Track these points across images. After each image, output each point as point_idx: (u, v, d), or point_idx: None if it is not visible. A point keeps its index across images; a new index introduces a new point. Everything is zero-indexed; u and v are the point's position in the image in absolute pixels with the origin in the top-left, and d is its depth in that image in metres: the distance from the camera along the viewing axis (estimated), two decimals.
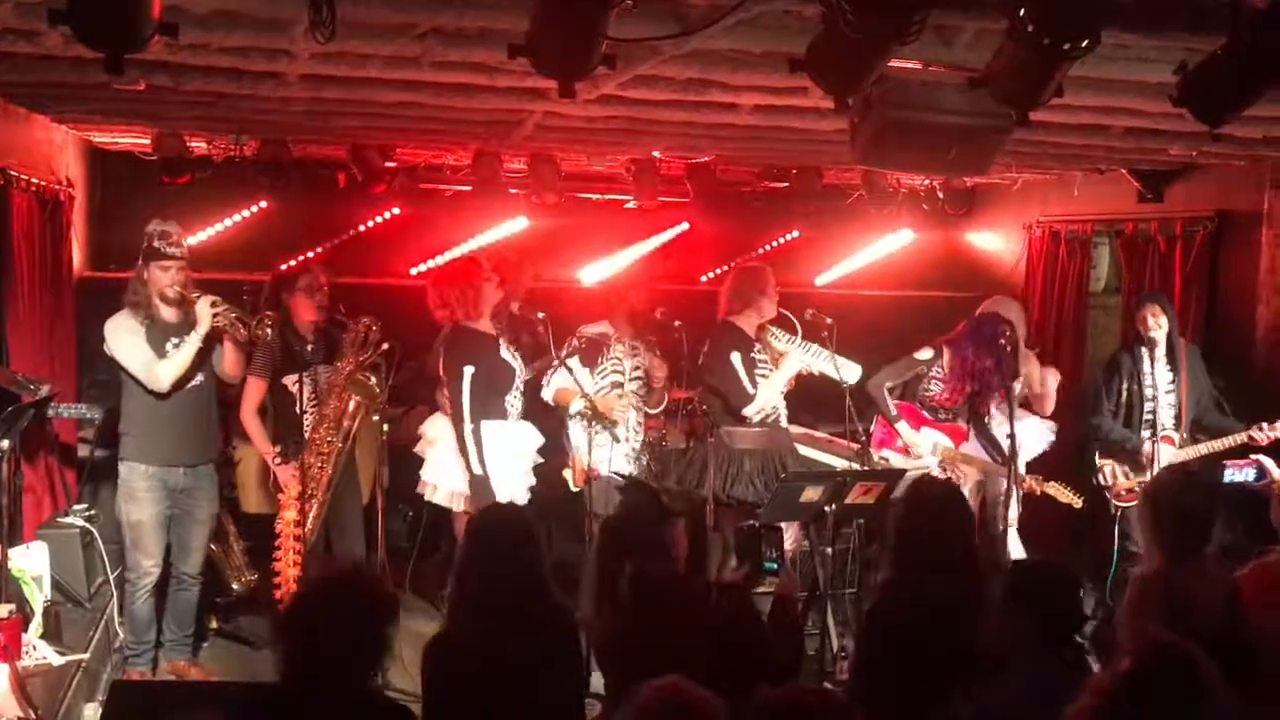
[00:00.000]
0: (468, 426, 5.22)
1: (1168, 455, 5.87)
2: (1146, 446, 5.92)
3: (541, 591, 3.35)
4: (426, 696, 3.31)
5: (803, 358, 5.57)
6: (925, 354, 5.99)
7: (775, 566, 3.74)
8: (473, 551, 3.43)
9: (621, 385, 5.55)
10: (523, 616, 3.23)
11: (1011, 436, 5.59)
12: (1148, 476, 5.87)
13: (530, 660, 3.16)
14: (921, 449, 5.88)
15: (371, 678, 2.82)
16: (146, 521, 5.09)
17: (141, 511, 5.08)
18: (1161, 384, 5.94)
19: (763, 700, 2.33)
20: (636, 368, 5.65)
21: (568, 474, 5.55)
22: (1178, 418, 5.91)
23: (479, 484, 5.23)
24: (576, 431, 5.50)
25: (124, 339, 5.03)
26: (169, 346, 5.06)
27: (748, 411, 5.48)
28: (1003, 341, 5.74)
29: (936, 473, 5.85)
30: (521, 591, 3.28)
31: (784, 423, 5.74)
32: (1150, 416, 5.98)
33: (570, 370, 5.37)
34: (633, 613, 3.30)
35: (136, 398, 5.09)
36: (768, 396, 5.54)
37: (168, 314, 5.10)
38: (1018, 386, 5.89)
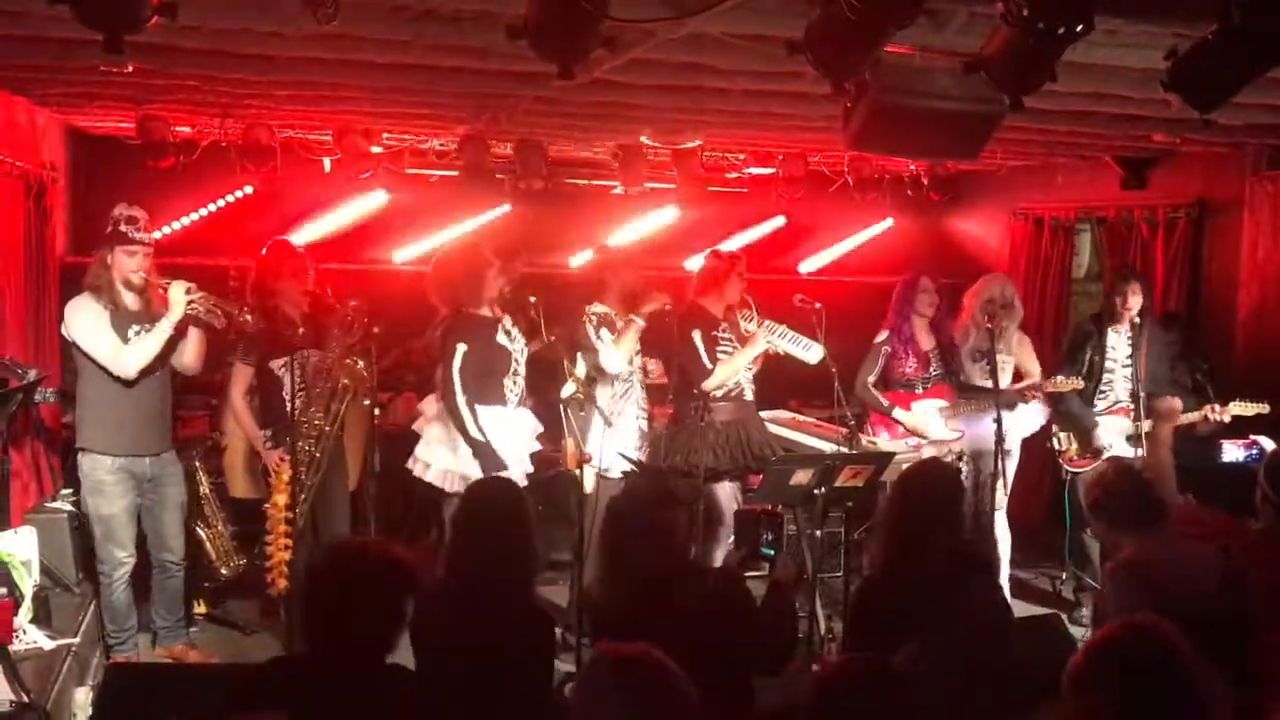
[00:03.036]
0: (460, 398, 5.17)
1: (1122, 426, 5.99)
2: (1101, 427, 6.04)
3: (525, 572, 3.41)
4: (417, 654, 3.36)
5: (768, 338, 5.69)
6: (881, 336, 6.18)
7: (773, 551, 3.76)
8: (462, 521, 3.51)
9: (632, 361, 5.65)
10: (500, 593, 3.27)
11: (994, 377, 5.79)
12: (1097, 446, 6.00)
13: (499, 637, 3.21)
14: (926, 424, 5.98)
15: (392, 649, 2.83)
16: (118, 514, 5.01)
17: (111, 505, 4.99)
18: (1120, 357, 6.05)
19: (825, 673, 2.36)
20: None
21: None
22: (1134, 392, 5.99)
23: (482, 450, 5.14)
24: (570, 415, 5.51)
25: (88, 323, 4.89)
26: (130, 334, 4.94)
27: (706, 386, 5.60)
28: (903, 292, 6.10)
29: (945, 435, 5.99)
30: (505, 566, 3.33)
31: (748, 398, 5.85)
32: (1105, 388, 6.10)
33: (598, 351, 5.46)
34: (635, 596, 3.33)
35: (98, 384, 4.95)
36: (727, 374, 5.66)
37: (130, 301, 4.97)
38: (1002, 359, 6.01)
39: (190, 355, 5.12)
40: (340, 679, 2.67)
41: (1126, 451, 5.95)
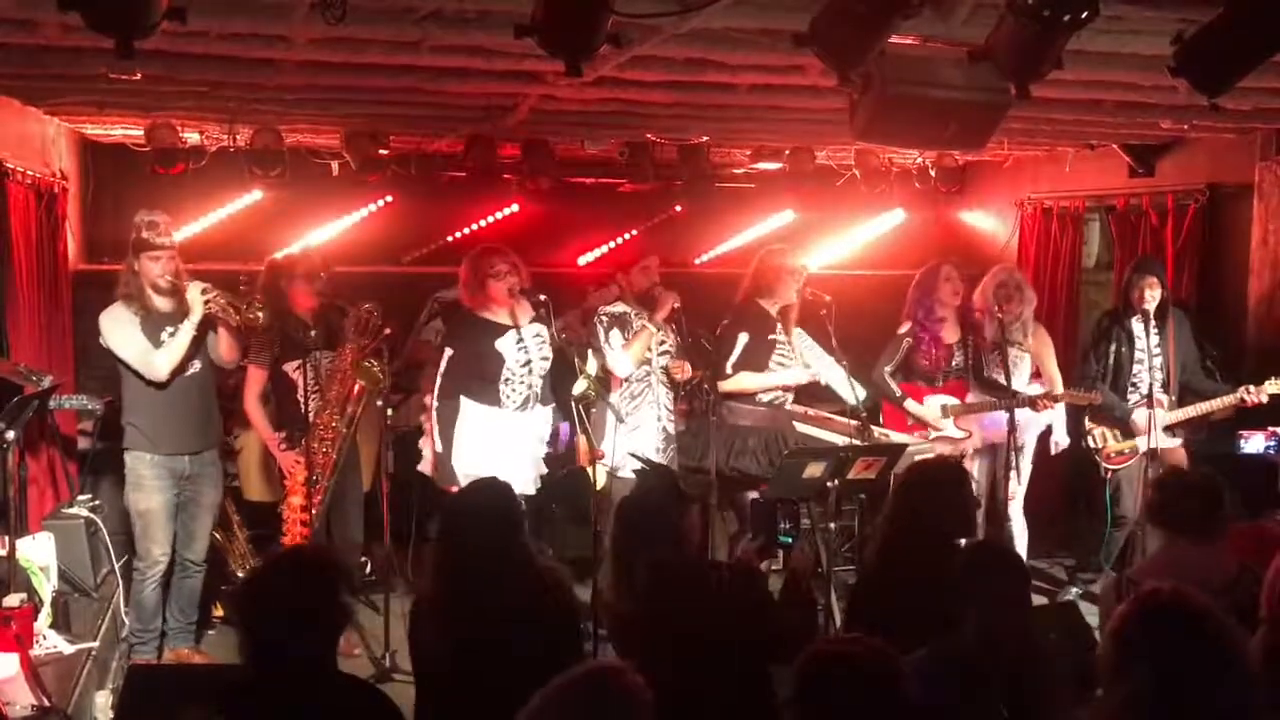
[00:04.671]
0: (435, 402, 5.31)
1: (1158, 418, 5.85)
2: (1136, 413, 5.97)
3: (520, 558, 3.35)
4: (416, 665, 3.34)
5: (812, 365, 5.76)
6: (904, 327, 6.13)
7: (790, 540, 3.76)
8: (446, 520, 3.51)
9: (649, 361, 5.64)
10: (498, 581, 3.24)
11: (1007, 380, 5.77)
12: (1137, 440, 5.93)
13: (511, 620, 3.18)
14: (932, 418, 5.94)
15: (330, 653, 2.78)
16: (156, 510, 5.11)
17: (150, 500, 5.10)
18: (1148, 347, 5.96)
19: (809, 655, 2.33)
20: (662, 341, 5.69)
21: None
22: (1165, 382, 5.94)
23: (440, 460, 5.28)
24: (582, 412, 5.52)
25: (120, 330, 5.04)
26: (164, 336, 5.06)
27: (721, 385, 5.62)
28: (924, 280, 6.07)
29: (953, 434, 5.94)
30: (496, 557, 3.28)
31: (789, 406, 5.85)
32: (1136, 380, 6.03)
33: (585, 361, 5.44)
34: (648, 598, 3.32)
35: (137, 388, 5.10)
36: (753, 385, 5.65)
37: (161, 304, 5.09)
38: (1016, 353, 5.98)
39: (224, 349, 5.22)
40: (277, 691, 2.63)
41: (1166, 442, 5.84)
